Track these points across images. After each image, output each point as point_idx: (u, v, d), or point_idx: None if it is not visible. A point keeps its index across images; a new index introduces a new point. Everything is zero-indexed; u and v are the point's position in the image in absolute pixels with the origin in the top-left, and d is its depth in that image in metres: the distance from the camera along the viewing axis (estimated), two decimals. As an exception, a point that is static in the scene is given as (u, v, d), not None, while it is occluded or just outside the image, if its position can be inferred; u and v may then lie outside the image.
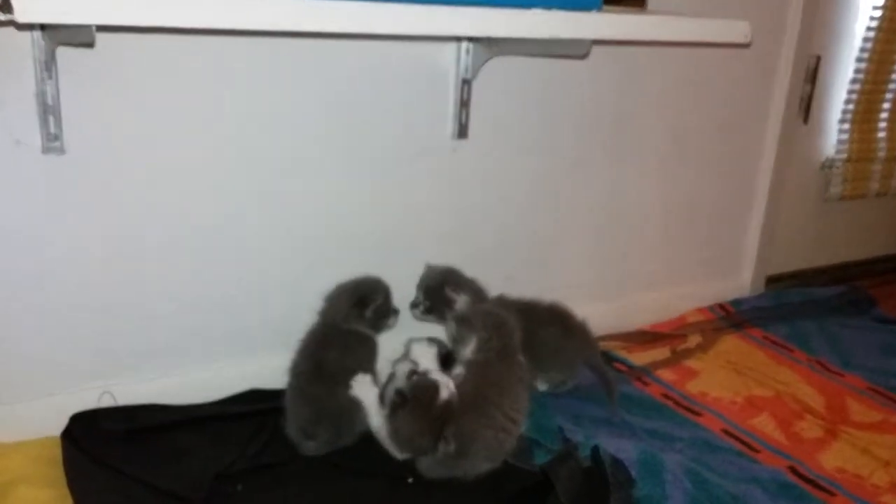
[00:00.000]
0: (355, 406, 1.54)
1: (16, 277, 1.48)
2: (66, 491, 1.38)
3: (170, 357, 1.66)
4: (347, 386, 1.55)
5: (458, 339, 1.61)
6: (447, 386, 1.48)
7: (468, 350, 1.59)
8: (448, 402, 1.47)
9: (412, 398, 1.47)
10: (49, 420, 1.51)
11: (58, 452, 1.47)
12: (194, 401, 1.66)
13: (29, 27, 1.35)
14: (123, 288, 1.58)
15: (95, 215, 1.51)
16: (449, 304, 1.73)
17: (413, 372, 1.54)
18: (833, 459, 1.70)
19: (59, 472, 1.43)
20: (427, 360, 1.58)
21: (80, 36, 1.25)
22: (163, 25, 1.09)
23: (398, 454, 1.51)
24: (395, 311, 1.70)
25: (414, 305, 1.76)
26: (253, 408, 1.65)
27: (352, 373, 1.56)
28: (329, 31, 1.23)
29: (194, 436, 1.56)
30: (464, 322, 1.61)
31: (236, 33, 1.52)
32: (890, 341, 2.31)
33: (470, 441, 1.46)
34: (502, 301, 1.80)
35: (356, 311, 1.63)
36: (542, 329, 1.75)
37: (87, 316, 1.56)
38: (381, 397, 1.55)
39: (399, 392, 1.48)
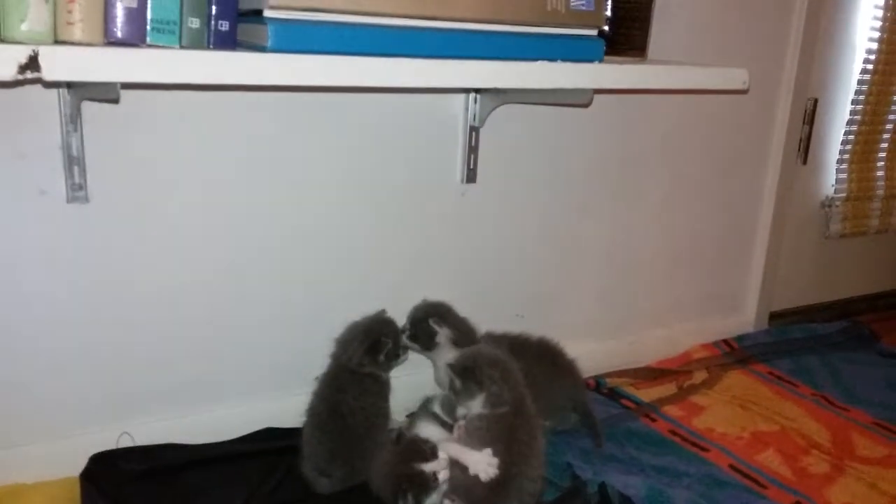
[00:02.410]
0: (370, 444, 1.56)
1: (37, 321, 1.52)
2: (85, 531, 1.41)
3: (187, 397, 1.69)
4: (362, 425, 1.57)
5: (461, 392, 1.52)
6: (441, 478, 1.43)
7: (476, 404, 1.50)
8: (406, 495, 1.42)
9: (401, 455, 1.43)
10: (68, 461, 1.53)
11: (76, 493, 1.49)
12: (211, 440, 1.68)
13: (55, 84, 1.41)
14: (142, 330, 1.61)
15: (118, 261, 1.56)
16: (431, 335, 1.75)
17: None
18: (840, 495, 1.71)
19: (79, 513, 1.45)
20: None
21: (105, 92, 1.30)
22: (185, 82, 1.14)
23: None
24: (406, 349, 1.73)
25: (402, 331, 1.76)
26: (268, 446, 1.67)
27: (367, 412, 1.59)
28: (345, 86, 1.28)
29: (211, 475, 1.58)
30: (467, 374, 1.52)
31: (255, 88, 1.57)
32: (893, 375, 2.33)
33: None
34: (491, 337, 1.80)
35: (369, 357, 1.64)
36: (532, 368, 1.70)
37: (106, 358, 1.59)
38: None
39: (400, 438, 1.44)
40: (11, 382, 1.52)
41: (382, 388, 1.66)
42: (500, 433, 1.45)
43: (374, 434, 1.59)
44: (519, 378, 1.55)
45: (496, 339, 1.80)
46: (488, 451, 1.43)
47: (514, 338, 1.83)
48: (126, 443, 1.62)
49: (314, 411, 1.61)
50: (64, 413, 1.58)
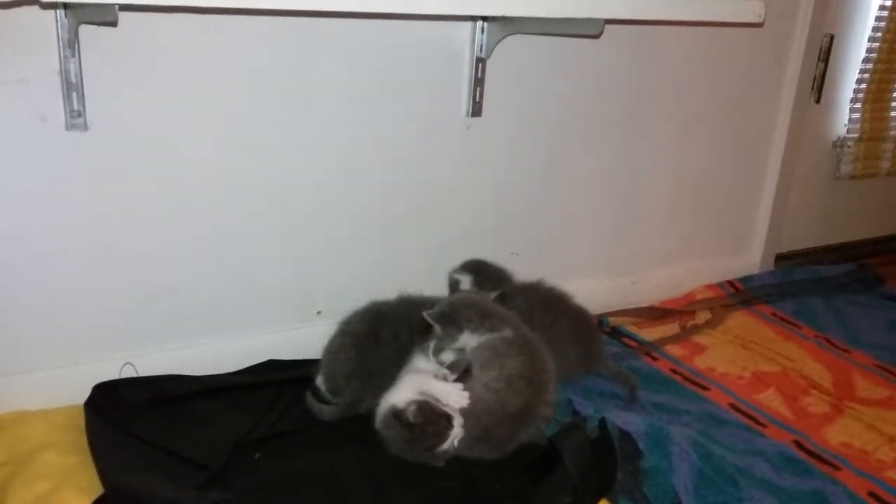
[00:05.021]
0: (385, 376, 1.56)
1: (39, 249, 1.51)
2: (89, 458, 1.41)
3: (190, 329, 1.69)
4: (390, 354, 1.59)
5: (443, 338, 1.56)
6: (456, 437, 1.44)
7: (468, 339, 1.56)
8: (441, 453, 1.44)
9: (416, 431, 1.42)
10: (71, 389, 1.54)
11: (80, 420, 1.50)
12: (213, 371, 1.69)
13: (52, 6, 1.36)
14: (145, 260, 1.61)
15: (118, 189, 1.54)
16: (454, 284, 1.81)
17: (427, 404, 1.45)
18: (838, 434, 1.73)
19: (82, 440, 1.46)
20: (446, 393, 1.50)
21: (103, 15, 1.28)
22: (184, 5, 1.11)
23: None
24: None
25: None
26: (270, 378, 1.68)
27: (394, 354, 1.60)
28: (347, 11, 1.24)
29: (213, 405, 1.60)
30: (445, 319, 1.56)
31: (255, 13, 1.54)
32: (898, 319, 2.33)
33: (507, 443, 1.48)
34: (531, 288, 1.83)
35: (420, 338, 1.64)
36: (556, 330, 1.74)
37: (109, 288, 1.59)
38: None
39: (408, 423, 1.43)
40: (12, 311, 1.53)
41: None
42: (523, 367, 1.49)
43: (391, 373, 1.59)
44: (503, 312, 1.59)
45: (536, 290, 1.82)
46: (458, 385, 1.48)
47: (554, 295, 1.83)
48: (129, 373, 1.63)
49: (354, 330, 1.62)
50: (66, 342, 1.59)
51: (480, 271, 1.82)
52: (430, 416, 1.42)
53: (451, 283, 1.82)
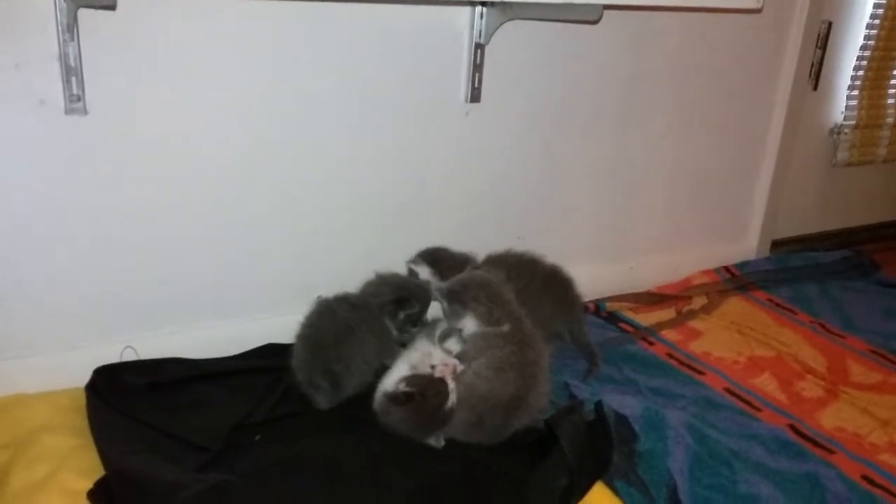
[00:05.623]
0: (350, 357, 1.57)
1: (39, 234, 1.52)
2: (89, 440, 1.42)
3: (190, 313, 1.70)
4: (348, 315, 1.59)
5: (449, 316, 1.57)
6: (453, 392, 1.46)
7: (468, 324, 1.56)
8: (450, 409, 1.46)
9: (417, 399, 1.45)
10: (72, 372, 1.55)
11: (81, 403, 1.51)
12: (213, 355, 1.70)
13: (51, -12, 1.37)
14: (144, 245, 1.61)
15: (117, 174, 1.55)
16: (412, 276, 1.79)
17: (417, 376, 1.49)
18: (832, 418, 1.74)
19: (82, 422, 1.47)
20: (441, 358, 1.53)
21: (102, -2, 1.28)
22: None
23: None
24: (424, 323, 1.72)
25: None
26: (270, 362, 1.68)
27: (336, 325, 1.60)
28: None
29: (213, 388, 1.60)
30: (453, 296, 1.57)
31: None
32: (892, 305, 2.34)
33: (501, 430, 1.49)
34: (502, 257, 1.82)
35: (391, 307, 1.65)
36: (538, 294, 1.74)
37: (109, 272, 1.60)
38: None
39: (405, 393, 1.45)
40: (14, 294, 1.53)
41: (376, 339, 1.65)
42: (511, 357, 1.49)
43: (346, 343, 1.59)
44: (510, 299, 1.58)
45: (509, 258, 1.81)
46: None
47: (528, 260, 1.83)
48: (129, 356, 1.64)
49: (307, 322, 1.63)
50: (67, 326, 1.60)
51: (437, 260, 1.80)
52: (423, 383, 1.45)
53: (409, 274, 1.81)
